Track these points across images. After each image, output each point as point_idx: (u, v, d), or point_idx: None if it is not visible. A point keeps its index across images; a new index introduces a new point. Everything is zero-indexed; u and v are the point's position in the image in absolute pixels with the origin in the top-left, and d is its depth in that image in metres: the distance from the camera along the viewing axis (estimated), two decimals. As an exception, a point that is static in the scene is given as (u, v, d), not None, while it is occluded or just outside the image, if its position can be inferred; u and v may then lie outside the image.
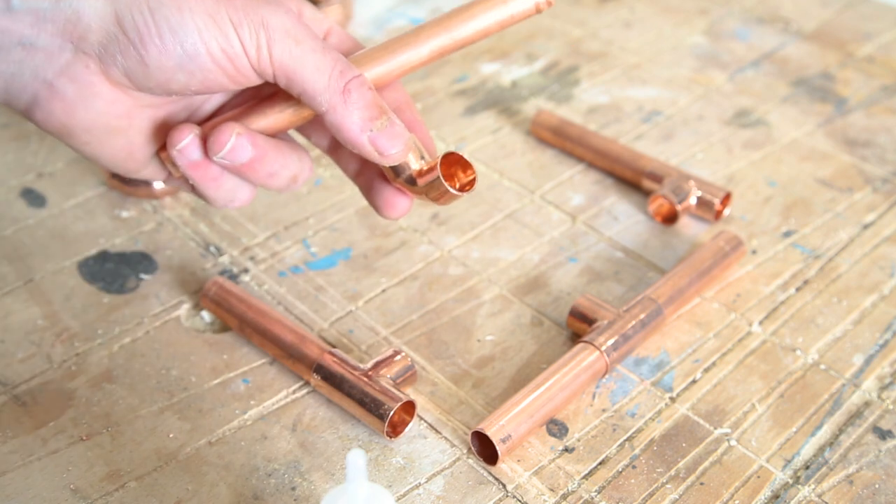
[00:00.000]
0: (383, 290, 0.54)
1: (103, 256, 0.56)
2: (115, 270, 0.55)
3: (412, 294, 0.54)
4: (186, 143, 0.41)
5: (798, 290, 0.55)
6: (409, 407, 0.46)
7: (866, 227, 0.59)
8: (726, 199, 0.59)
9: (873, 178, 0.64)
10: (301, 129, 0.46)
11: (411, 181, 0.42)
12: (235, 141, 0.40)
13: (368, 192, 0.45)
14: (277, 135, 0.43)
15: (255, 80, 0.40)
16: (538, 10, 0.42)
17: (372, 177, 0.44)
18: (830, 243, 0.58)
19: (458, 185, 0.42)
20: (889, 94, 0.72)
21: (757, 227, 0.59)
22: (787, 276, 0.56)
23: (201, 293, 0.52)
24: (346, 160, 0.46)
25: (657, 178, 0.60)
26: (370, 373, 0.46)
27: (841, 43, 0.79)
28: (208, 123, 0.42)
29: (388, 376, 0.46)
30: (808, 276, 0.56)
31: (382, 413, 0.45)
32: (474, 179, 0.42)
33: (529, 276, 0.56)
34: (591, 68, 0.75)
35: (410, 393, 0.48)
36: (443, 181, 0.40)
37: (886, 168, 0.64)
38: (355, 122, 0.40)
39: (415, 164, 0.42)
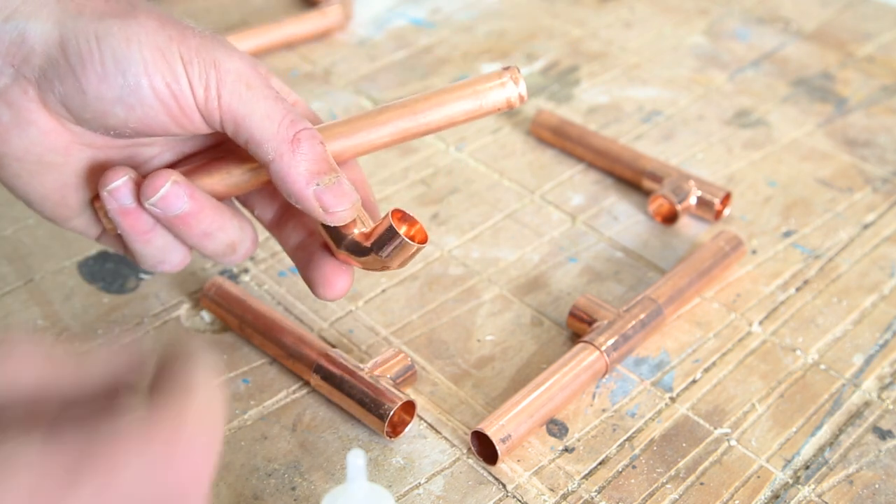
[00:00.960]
0: (383, 290, 0.54)
1: (103, 256, 0.56)
2: (115, 270, 0.55)
3: (412, 294, 0.54)
4: (119, 185, 0.39)
5: (798, 290, 0.55)
6: (409, 407, 0.46)
7: (866, 227, 0.59)
8: (726, 199, 0.59)
9: (873, 178, 0.64)
10: (245, 200, 0.45)
11: (356, 247, 0.40)
12: (170, 188, 0.38)
13: (306, 268, 0.43)
14: (221, 199, 0.41)
15: (199, 124, 0.39)
16: (510, 107, 0.41)
17: (313, 251, 0.42)
18: (830, 243, 0.58)
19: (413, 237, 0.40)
20: (889, 94, 0.72)
21: (757, 227, 0.59)
22: (787, 276, 0.56)
23: (201, 293, 0.52)
24: (289, 233, 0.44)
25: (657, 178, 0.60)
26: (370, 373, 0.46)
27: (841, 43, 0.79)
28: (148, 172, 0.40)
29: (388, 376, 0.46)
30: (808, 276, 0.56)
31: (382, 413, 0.44)
32: (425, 234, 0.40)
33: (529, 276, 0.56)
34: (591, 68, 0.75)
35: (410, 393, 0.48)
36: (398, 231, 0.39)
37: (886, 168, 0.64)
38: (301, 174, 0.38)
39: (361, 227, 0.40)
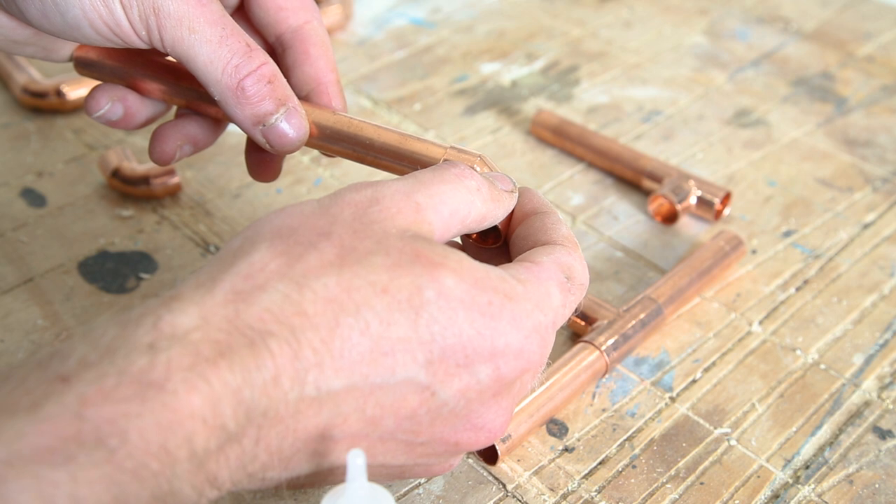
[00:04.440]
0: (383, 290, 0.54)
1: (103, 256, 0.56)
2: (114, 270, 0.55)
3: (412, 294, 0.54)
4: (98, 115, 0.45)
5: (798, 289, 0.55)
6: None
7: (866, 226, 0.59)
8: (726, 198, 0.59)
9: (873, 177, 0.64)
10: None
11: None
12: (110, 107, 0.44)
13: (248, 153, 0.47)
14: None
15: (149, 48, 0.40)
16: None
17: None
18: (830, 243, 0.58)
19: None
20: (889, 94, 0.72)
21: (757, 226, 0.59)
22: (787, 276, 0.56)
23: None
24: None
25: (657, 178, 0.60)
26: None
27: (841, 43, 0.79)
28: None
29: None
30: (808, 276, 0.56)
31: None
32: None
33: (529, 275, 0.55)
34: (591, 68, 0.75)
35: None
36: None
37: (886, 168, 0.64)
38: (247, 118, 0.40)
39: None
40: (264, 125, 0.40)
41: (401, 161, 0.41)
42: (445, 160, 0.40)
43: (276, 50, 0.46)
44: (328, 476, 0.34)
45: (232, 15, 0.46)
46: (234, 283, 0.31)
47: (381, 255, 0.32)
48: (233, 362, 0.29)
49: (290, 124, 0.41)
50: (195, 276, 0.32)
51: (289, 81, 0.44)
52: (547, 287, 0.35)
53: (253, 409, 0.29)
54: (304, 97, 0.44)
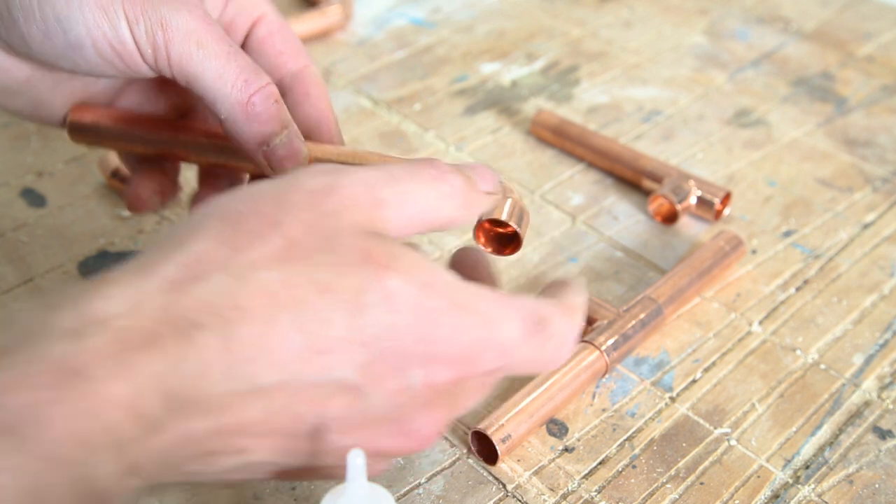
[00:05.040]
0: (383, 290, 0.54)
1: (103, 256, 0.56)
2: (115, 270, 0.55)
3: (412, 294, 0.54)
4: None
5: (798, 289, 0.55)
6: None
7: (866, 226, 0.59)
8: (726, 198, 0.59)
9: (873, 177, 0.64)
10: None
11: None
12: (151, 201, 0.46)
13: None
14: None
15: (149, 75, 0.40)
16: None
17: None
18: (830, 243, 0.58)
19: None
20: (889, 94, 0.72)
21: (757, 226, 0.59)
22: (787, 276, 0.56)
23: None
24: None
25: (657, 178, 0.60)
26: None
27: (841, 43, 0.79)
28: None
29: None
30: (808, 276, 0.56)
31: None
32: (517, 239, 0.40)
33: (529, 275, 0.55)
34: (591, 68, 0.75)
35: None
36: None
37: (886, 168, 0.64)
38: (253, 137, 0.39)
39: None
40: (268, 146, 0.40)
41: None
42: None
43: None
44: (257, 471, 0.33)
45: None
46: (173, 271, 0.30)
47: (328, 252, 0.31)
48: (161, 352, 0.28)
49: (292, 147, 0.40)
50: (136, 259, 0.31)
51: None
52: (507, 313, 0.34)
53: (179, 401, 0.28)
54: (305, 136, 0.44)
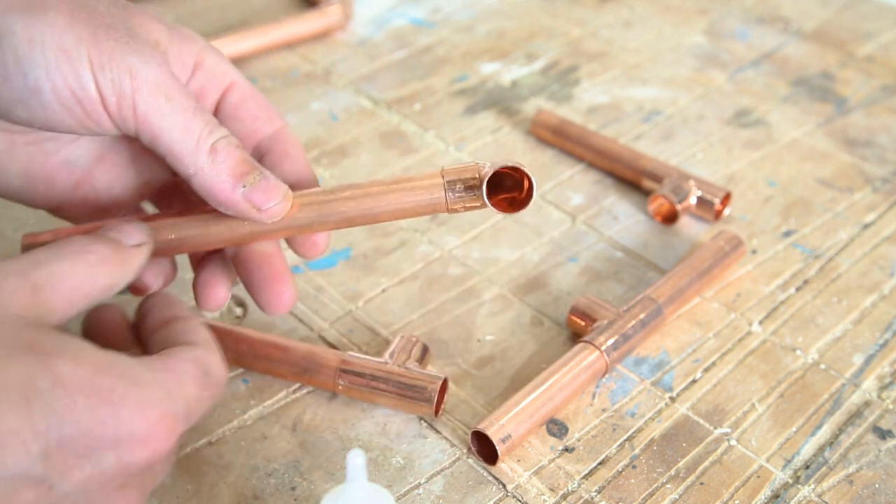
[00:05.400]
0: (383, 290, 0.54)
1: (103, 256, 0.56)
2: (115, 270, 0.55)
3: (412, 294, 0.54)
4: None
5: (798, 289, 0.55)
6: (443, 385, 0.47)
7: (866, 226, 0.59)
8: (726, 198, 0.59)
9: (873, 177, 0.64)
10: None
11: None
12: (154, 284, 0.43)
13: (250, 285, 0.44)
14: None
15: (109, 128, 0.38)
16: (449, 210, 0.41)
17: (252, 267, 0.43)
18: (830, 243, 0.58)
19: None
20: (889, 94, 0.72)
21: (757, 226, 0.59)
22: (787, 276, 0.56)
23: None
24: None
25: (657, 178, 0.60)
26: (396, 363, 0.47)
27: (841, 43, 0.79)
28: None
29: (414, 360, 0.47)
30: (808, 276, 0.56)
31: (428, 396, 0.45)
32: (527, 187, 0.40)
33: (529, 275, 0.56)
34: (591, 68, 0.75)
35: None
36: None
37: (886, 168, 0.64)
38: (226, 181, 0.38)
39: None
40: (245, 185, 0.39)
41: (406, 216, 0.42)
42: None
43: (254, 157, 0.44)
44: None
45: None
46: None
47: None
48: None
49: (270, 183, 0.39)
50: None
51: None
52: (181, 378, 0.35)
53: None
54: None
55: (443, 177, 0.40)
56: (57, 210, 0.44)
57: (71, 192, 0.43)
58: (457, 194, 0.40)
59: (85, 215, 0.44)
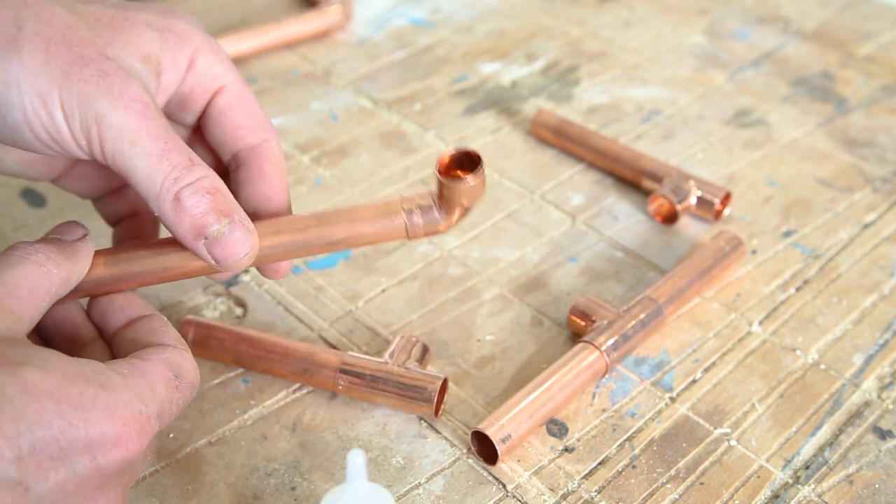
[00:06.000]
0: (383, 290, 0.54)
1: (103, 256, 0.56)
2: (115, 270, 0.55)
3: (412, 294, 0.54)
4: None
5: (798, 289, 0.55)
6: (443, 384, 0.47)
7: (866, 226, 0.59)
8: (726, 198, 0.59)
9: (873, 177, 0.64)
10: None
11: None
12: None
13: None
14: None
15: (88, 159, 0.39)
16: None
17: None
18: (830, 243, 0.58)
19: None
20: (889, 94, 0.72)
21: (757, 226, 0.59)
22: (787, 276, 0.56)
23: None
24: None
25: (657, 178, 0.60)
26: (396, 363, 0.47)
27: (841, 43, 0.79)
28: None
29: (414, 360, 0.47)
30: (808, 276, 0.56)
31: (428, 396, 0.45)
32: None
33: (529, 275, 0.56)
34: (591, 68, 0.75)
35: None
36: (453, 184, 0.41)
37: (886, 168, 0.64)
38: (187, 232, 0.38)
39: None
40: (206, 238, 0.38)
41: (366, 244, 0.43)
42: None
43: (231, 167, 0.44)
44: None
45: (189, 135, 0.46)
46: None
47: None
48: None
49: (234, 237, 0.39)
50: None
51: (238, 197, 0.42)
52: (151, 381, 0.36)
53: None
54: (252, 213, 0.42)
55: (402, 206, 0.42)
56: (59, 183, 0.45)
57: (70, 170, 0.45)
58: (416, 218, 0.42)
59: (89, 188, 0.46)
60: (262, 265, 0.43)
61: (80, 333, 0.42)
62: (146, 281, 0.42)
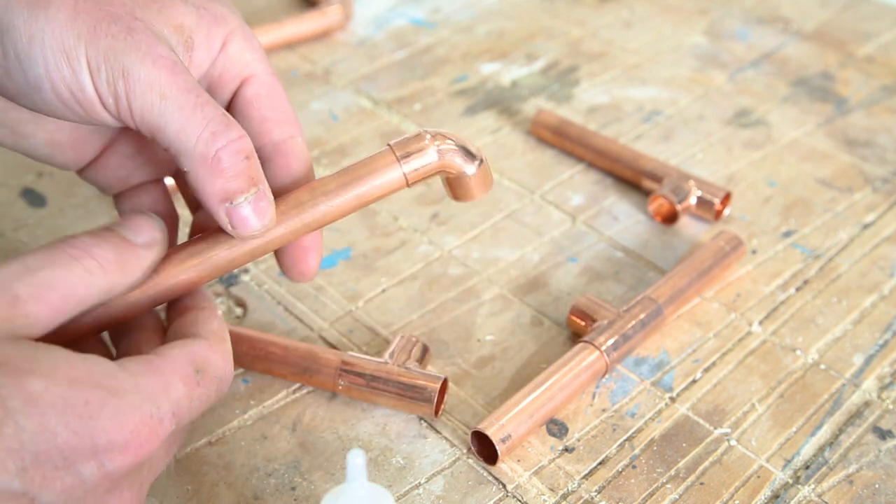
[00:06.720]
0: (383, 290, 0.54)
1: (103, 256, 0.56)
2: (115, 270, 0.55)
3: (412, 294, 0.54)
4: None
5: (798, 290, 0.55)
6: (443, 384, 0.47)
7: (866, 227, 0.59)
8: (726, 198, 0.59)
9: (873, 178, 0.64)
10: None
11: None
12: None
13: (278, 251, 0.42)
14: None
15: (113, 124, 0.37)
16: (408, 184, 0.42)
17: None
18: (830, 243, 0.58)
19: None
20: (889, 94, 0.72)
21: (757, 227, 0.59)
22: (787, 276, 0.56)
23: None
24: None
25: (657, 178, 0.60)
26: (396, 363, 0.47)
27: (841, 43, 0.79)
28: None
29: (414, 360, 0.47)
30: (808, 276, 0.56)
31: (428, 397, 0.45)
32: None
33: (529, 275, 0.56)
34: (591, 68, 0.75)
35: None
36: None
37: (886, 168, 0.64)
38: (215, 194, 0.37)
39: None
40: (231, 203, 0.37)
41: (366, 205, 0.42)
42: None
43: None
44: None
45: None
46: None
47: None
48: None
49: (257, 208, 0.38)
50: None
51: None
52: (166, 379, 0.34)
53: None
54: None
55: (393, 151, 0.41)
56: (86, 173, 0.43)
57: (98, 157, 0.43)
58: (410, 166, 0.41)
59: (114, 179, 0.43)
60: (290, 266, 0.42)
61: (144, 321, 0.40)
62: (188, 290, 0.40)
